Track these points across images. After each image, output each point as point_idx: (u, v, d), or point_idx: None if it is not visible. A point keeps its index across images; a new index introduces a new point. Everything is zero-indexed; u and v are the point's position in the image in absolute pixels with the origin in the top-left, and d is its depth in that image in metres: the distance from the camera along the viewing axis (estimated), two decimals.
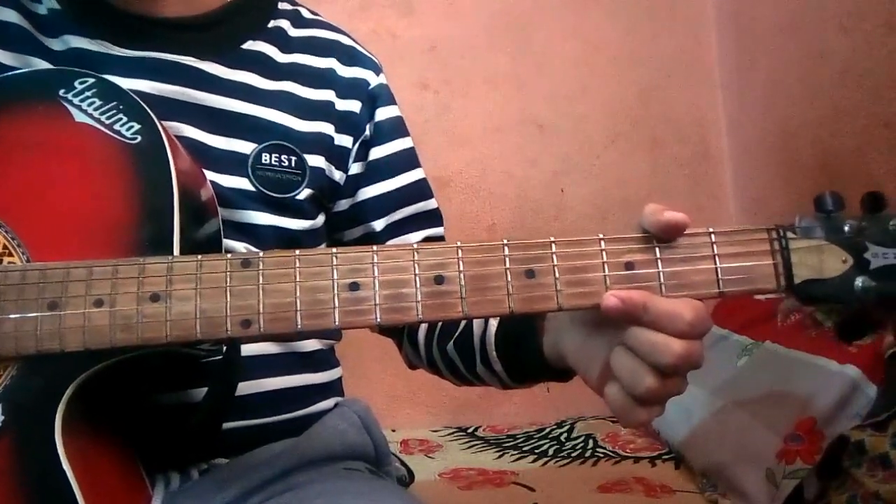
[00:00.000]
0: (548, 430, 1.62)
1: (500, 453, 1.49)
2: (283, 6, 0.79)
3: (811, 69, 1.54)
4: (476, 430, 1.67)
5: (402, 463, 0.89)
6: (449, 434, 1.65)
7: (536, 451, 1.49)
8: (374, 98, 0.79)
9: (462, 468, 1.39)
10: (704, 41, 1.95)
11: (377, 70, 0.81)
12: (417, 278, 0.49)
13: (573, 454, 1.46)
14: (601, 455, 1.44)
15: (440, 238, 0.82)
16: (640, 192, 1.88)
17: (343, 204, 0.79)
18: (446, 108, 1.84)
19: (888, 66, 1.32)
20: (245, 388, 0.68)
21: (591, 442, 1.52)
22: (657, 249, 0.50)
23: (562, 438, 1.56)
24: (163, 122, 0.59)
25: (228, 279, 0.50)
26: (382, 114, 0.80)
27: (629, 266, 0.50)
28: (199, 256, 0.50)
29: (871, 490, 0.91)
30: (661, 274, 0.50)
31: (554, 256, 0.50)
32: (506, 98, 1.86)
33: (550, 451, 1.48)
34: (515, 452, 1.49)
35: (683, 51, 1.94)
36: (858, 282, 0.49)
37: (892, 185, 1.33)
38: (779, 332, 1.29)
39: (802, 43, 1.57)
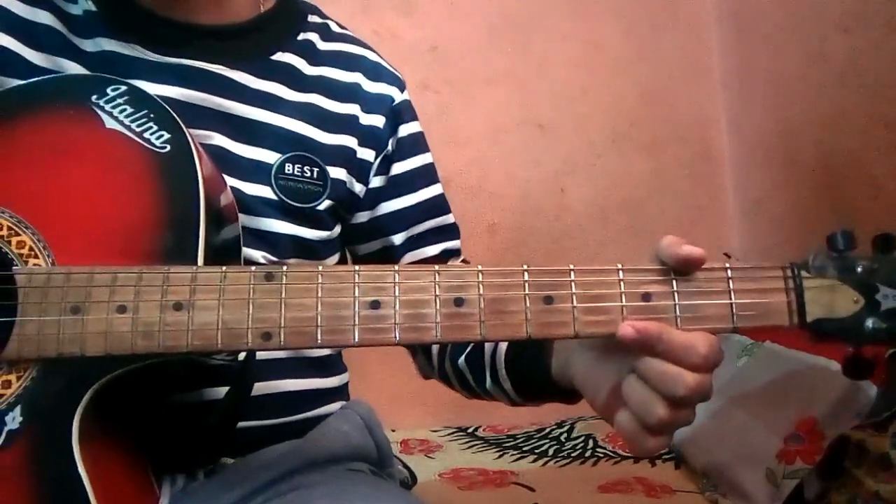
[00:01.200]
0: (548, 430, 1.62)
1: (501, 453, 1.49)
2: (312, 19, 0.80)
3: (812, 69, 1.55)
4: (476, 430, 1.67)
5: (405, 465, 0.89)
6: (449, 434, 1.65)
7: (536, 451, 1.50)
8: (398, 114, 0.80)
9: (462, 468, 1.39)
10: (705, 41, 1.96)
11: (401, 87, 0.82)
12: (437, 300, 0.50)
13: (573, 454, 1.46)
14: (601, 455, 1.44)
15: (457, 251, 0.84)
16: (641, 192, 1.89)
17: (362, 216, 0.79)
18: (447, 109, 1.84)
19: (889, 67, 1.32)
20: (255, 389, 0.68)
21: (591, 442, 1.52)
22: (674, 282, 0.50)
23: (562, 438, 1.56)
24: (191, 130, 0.59)
25: (251, 291, 0.50)
26: (405, 130, 0.80)
27: (646, 297, 0.50)
28: (224, 268, 0.51)
29: (871, 490, 0.91)
30: (677, 306, 0.50)
31: (573, 284, 0.50)
32: (506, 98, 1.87)
33: (550, 451, 1.48)
34: (515, 452, 1.49)
35: (684, 51, 1.94)
36: (869, 323, 0.50)
37: (892, 186, 1.33)
38: (779, 332, 1.29)
39: (803, 43, 1.57)
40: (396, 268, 0.51)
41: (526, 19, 1.88)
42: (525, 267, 0.51)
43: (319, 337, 0.49)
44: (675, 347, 0.47)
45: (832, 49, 1.47)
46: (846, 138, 1.45)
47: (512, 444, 1.55)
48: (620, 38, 1.92)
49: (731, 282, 0.50)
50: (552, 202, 1.87)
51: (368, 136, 0.77)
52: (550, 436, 1.58)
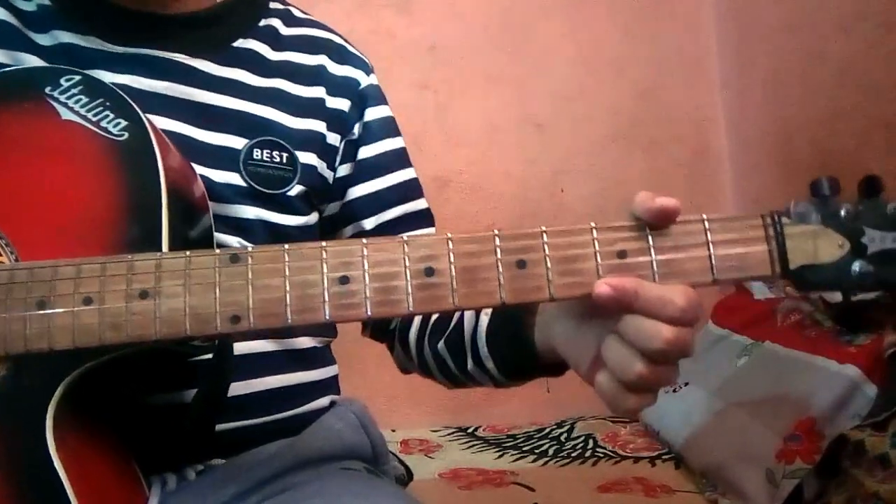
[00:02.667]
0: (548, 430, 1.62)
1: (500, 453, 1.49)
2: (274, 5, 0.79)
3: (811, 69, 1.54)
4: (476, 430, 1.67)
5: (401, 462, 0.89)
6: (449, 434, 1.65)
7: (536, 451, 1.50)
8: (364, 98, 0.79)
9: (462, 468, 1.39)
10: (704, 41, 1.95)
11: (367, 70, 0.81)
12: (408, 271, 0.49)
13: (573, 454, 1.46)
14: (601, 455, 1.44)
15: None
16: (640, 191, 1.88)
17: (334, 207, 0.79)
18: (446, 108, 1.84)
19: (887, 67, 1.32)
20: (240, 388, 0.67)
21: (591, 442, 1.52)
22: (650, 237, 0.49)
23: (562, 438, 1.56)
24: (153, 119, 0.58)
25: (217, 275, 0.49)
26: (372, 114, 0.80)
27: (621, 254, 0.49)
28: (188, 253, 0.50)
29: (870, 490, 0.91)
30: (654, 262, 0.49)
31: (545, 246, 0.49)
32: (505, 98, 1.86)
33: (550, 451, 1.48)
34: (515, 452, 1.49)
35: (683, 51, 1.94)
36: (856, 266, 0.48)
37: (891, 186, 1.33)
38: (778, 332, 1.29)
39: (802, 43, 1.57)
40: (364, 241, 0.50)
41: (524, 19, 1.88)
42: (496, 231, 0.50)
43: (290, 316, 0.49)
44: (651, 301, 0.46)
45: (831, 49, 1.47)
46: (845, 138, 1.44)
47: (512, 444, 1.55)
48: (619, 38, 1.91)
49: (708, 233, 0.49)
50: (550, 202, 1.87)
51: (335, 120, 0.76)
52: (550, 436, 1.58)
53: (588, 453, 1.45)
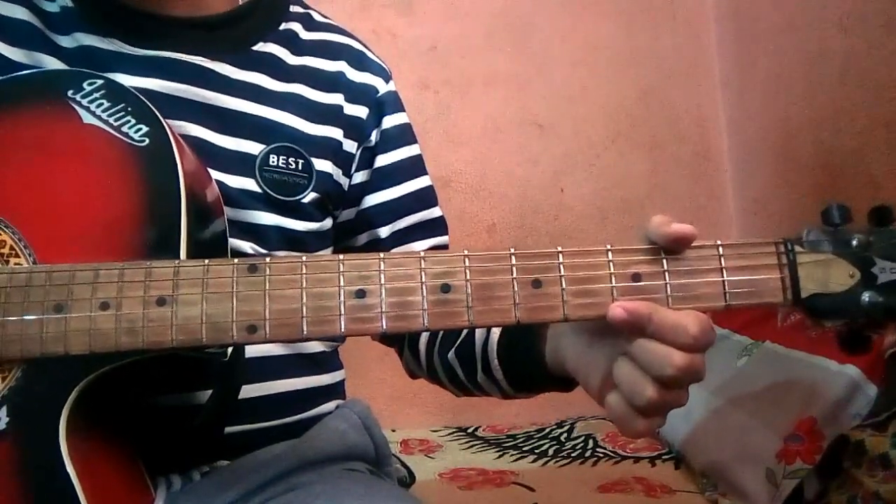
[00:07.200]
0: (548, 430, 1.62)
1: (500, 453, 1.49)
2: (294, 9, 0.79)
3: (811, 69, 1.54)
4: (476, 430, 1.67)
5: (403, 464, 0.89)
6: (449, 434, 1.65)
7: (536, 451, 1.49)
8: (382, 105, 0.79)
9: (462, 468, 1.39)
10: (704, 41, 1.95)
11: (386, 77, 0.81)
12: (424, 286, 0.49)
13: (573, 454, 1.46)
14: (601, 455, 1.44)
15: (445, 247, 0.83)
16: (641, 192, 1.89)
17: (349, 213, 0.79)
18: (446, 108, 1.84)
19: (888, 66, 1.32)
20: (249, 390, 0.68)
21: (591, 442, 1.52)
22: (664, 261, 0.50)
23: (562, 438, 1.56)
24: (171, 122, 0.58)
25: (235, 284, 0.50)
26: (389, 121, 0.80)
27: (636, 277, 0.50)
28: (206, 261, 0.50)
29: (871, 490, 0.91)
30: (668, 286, 0.50)
31: (561, 267, 0.50)
32: (506, 98, 1.86)
33: (550, 451, 1.48)
34: (515, 452, 1.49)
35: (683, 51, 1.94)
36: (865, 297, 0.49)
37: (892, 185, 1.33)
38: (779, 332, 1.29)
39: (802, 43, 1.57)
40: (382, 255, 0.50)
41: (525, 19, 1.88)
42: (512, 251, 0.50)
43: (305, 328, 0.49)
44: (665, 327, 0.47)
45: (832, 49, 1.47)
46: (845, 138, 1.44)
47: (512, 444, 1.55)
48: (620, 38, 1.91)
49: (722, 259, 0.50)
50: (551, 202, 1.87)
51: (352, 127, 0.77)
52: (550, 436, 1.58)
53: (588, 453, 1.45)
